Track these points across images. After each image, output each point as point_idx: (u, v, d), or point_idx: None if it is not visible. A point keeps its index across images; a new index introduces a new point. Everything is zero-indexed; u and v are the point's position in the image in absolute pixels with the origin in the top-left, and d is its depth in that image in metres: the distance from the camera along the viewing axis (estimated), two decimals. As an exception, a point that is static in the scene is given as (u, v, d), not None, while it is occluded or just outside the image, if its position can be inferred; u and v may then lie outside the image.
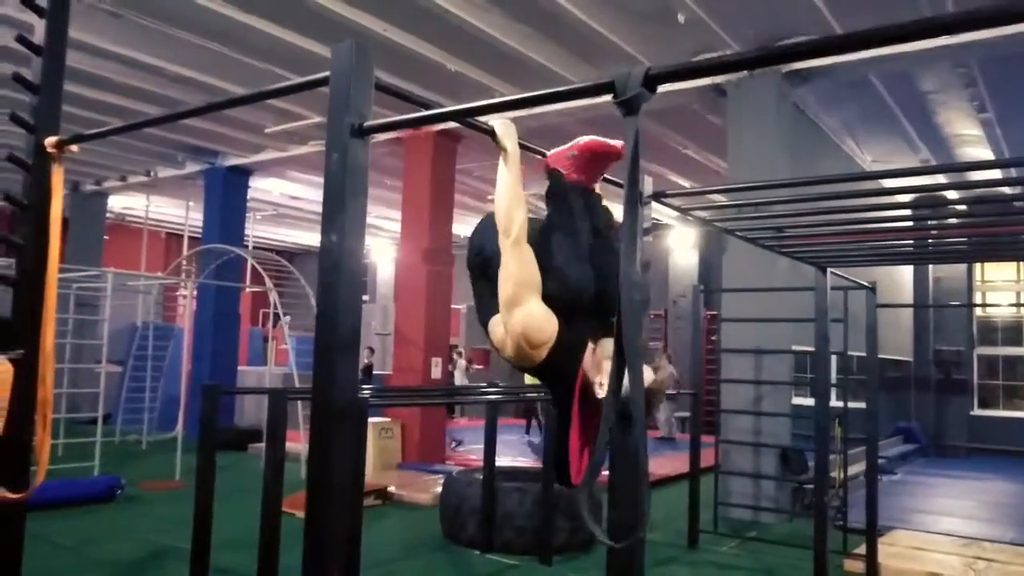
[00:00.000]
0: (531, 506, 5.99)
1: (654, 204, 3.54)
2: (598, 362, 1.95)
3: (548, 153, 2.34)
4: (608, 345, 1.93)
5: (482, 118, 2.18)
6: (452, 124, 10.37)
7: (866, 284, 5.79)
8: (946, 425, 14.40)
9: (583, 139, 2.28)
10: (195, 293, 13.13)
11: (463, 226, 17.29)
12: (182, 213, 16.07)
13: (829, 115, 9.82)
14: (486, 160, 11.58)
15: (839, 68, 7.88)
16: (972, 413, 14.46)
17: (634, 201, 1.56)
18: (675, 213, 3.96)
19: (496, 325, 2.03)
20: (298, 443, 7.92)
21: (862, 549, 5.90)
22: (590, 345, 2.00)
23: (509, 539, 6.00)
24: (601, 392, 1.89)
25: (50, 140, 2.52)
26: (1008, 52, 7.65)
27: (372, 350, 13.63)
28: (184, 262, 13.47)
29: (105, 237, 15.79)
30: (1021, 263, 14.42)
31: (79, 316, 9.74)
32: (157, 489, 8.10)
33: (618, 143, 2.14)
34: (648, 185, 2.92)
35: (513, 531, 6.00)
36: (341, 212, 1.68)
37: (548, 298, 1.98)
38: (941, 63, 8.11)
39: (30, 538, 6.02)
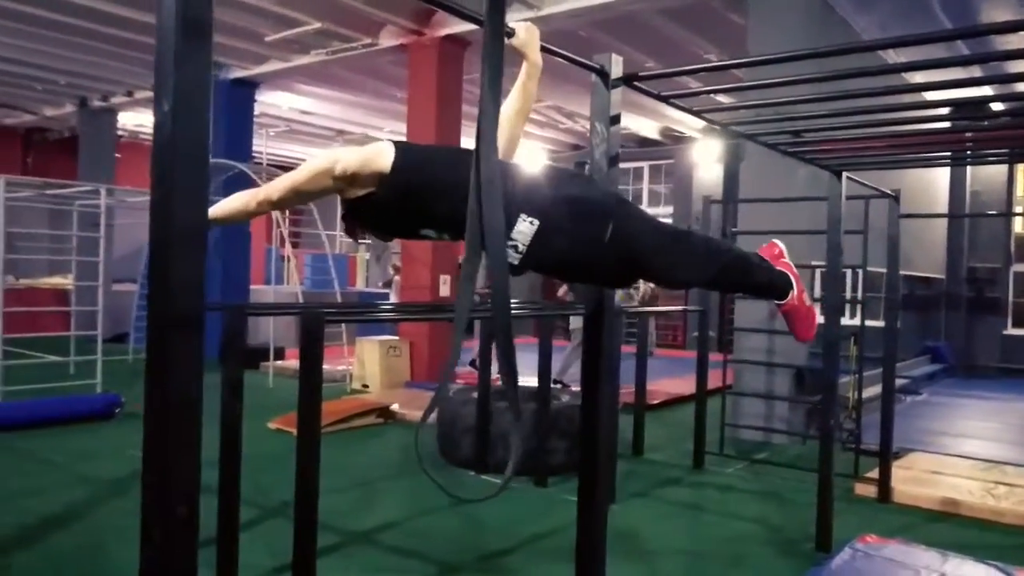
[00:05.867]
0: (527, 426, 5.77)
1: (681, 115, 3.14)
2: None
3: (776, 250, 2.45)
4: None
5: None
6: (459, 28, 9.81)
7: (888, 192, 5.32)
8: (977, 345, 13.93)
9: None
10: (205, 211, 12.92)
11: (471, 139, 16.79)
12: (193, 130, 15.74)
13: (862, 15, 9.08)
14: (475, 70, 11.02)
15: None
16: (1005, 332, 13.96)
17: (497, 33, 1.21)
18: (700, 124, 3.58)
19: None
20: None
21: (875, 473, 5.62)
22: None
23: (504, 459, 5.80)
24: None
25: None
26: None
27: (398, 268, 13.19)
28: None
29: (117, 155, 15.56)
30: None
31: (82, 234, 9.56)
32: (160, 407, 8.02)
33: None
34: (619, 66, 2.52)
35: (508, 451, 5.79)
36: (172, 74, 1.34)
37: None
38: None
39: (20, 456, 6.02)
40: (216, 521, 3.62)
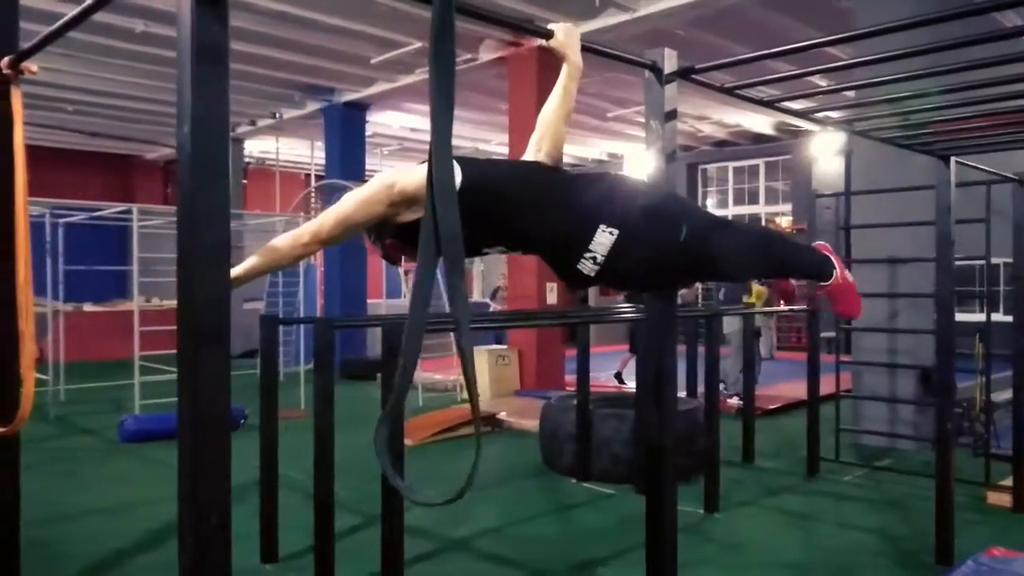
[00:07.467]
0: (629, 433, 5.68)
1: (785, 110, 2.99)
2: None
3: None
4: None
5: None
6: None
7: (1012, 176, 4.92)
8: None
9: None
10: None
11: (574, 147, 16.68)
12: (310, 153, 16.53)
13: (986, -14, 8.45)
14: (595, 75, 10.97)
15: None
16: None
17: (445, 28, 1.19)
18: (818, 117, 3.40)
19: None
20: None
21: (1009, 480, 5.18)
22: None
23: (606, 467, 5.74)
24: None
25: (4, 60, 2.39)
26: None
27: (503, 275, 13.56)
28: (313, 200, 13.84)
29: (244, 181, 16.50)
30: None
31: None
32: (281, 419, 8.41)
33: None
34: (672, 60, 2.45)
35: (610, 459, 5.72)
36: (190, 97, 1.40)
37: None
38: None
39: (150, 464, 6.42)
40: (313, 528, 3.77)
